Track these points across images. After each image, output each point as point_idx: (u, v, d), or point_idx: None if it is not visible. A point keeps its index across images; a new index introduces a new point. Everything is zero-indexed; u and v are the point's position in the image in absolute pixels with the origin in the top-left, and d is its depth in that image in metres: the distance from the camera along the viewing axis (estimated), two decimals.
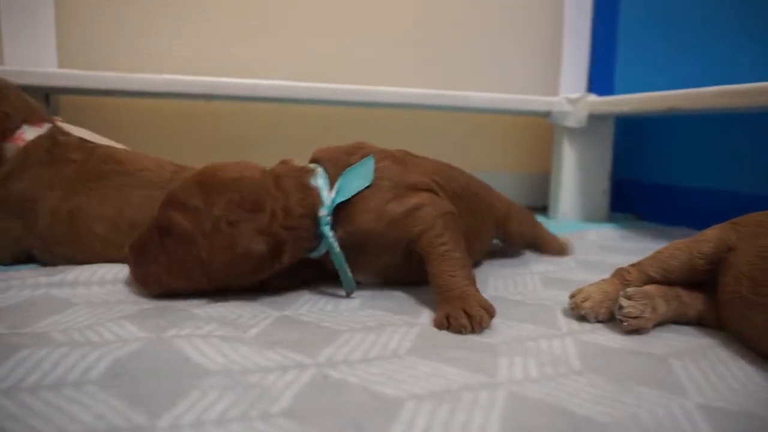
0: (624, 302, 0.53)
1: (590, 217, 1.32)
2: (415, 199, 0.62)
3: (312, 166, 0.65)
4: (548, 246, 0.90)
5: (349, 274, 0.62)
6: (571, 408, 0.38)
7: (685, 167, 1.27)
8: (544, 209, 1.41)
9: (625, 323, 0.53)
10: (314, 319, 0.56)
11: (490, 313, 0.54)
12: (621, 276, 0.61)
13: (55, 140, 0.76)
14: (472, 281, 0.58)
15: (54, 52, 1.04)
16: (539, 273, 0.78)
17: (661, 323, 0.56)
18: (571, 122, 1.28)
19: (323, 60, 1.26)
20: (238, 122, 1.23)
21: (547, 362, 0.46)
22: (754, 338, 0.49)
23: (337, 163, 0.64)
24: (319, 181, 0.62)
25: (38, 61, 1.02)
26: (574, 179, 1.32)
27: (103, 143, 0.80)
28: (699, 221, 1.20)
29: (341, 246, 0.62)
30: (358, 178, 0.62)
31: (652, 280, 0.59)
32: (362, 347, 0.48)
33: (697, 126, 1.24)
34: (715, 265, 0.56)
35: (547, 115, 1.31)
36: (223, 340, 0.47)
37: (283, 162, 0.65)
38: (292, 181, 0.61)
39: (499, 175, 1.44)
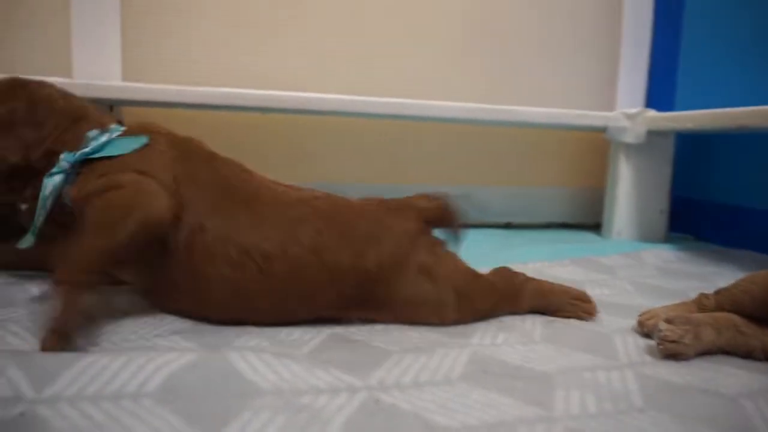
0: (662, 325, 0.52)
1: (646, 237, 1.27)
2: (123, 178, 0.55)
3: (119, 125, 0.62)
4: None
5: (36, 226, 0.57)
6: None
7: (749, 187, 1.21)
8: (597, 227, 1.37)
9: (660, 346, 0.52)
10: (364, 337, 0.55)
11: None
12: (699, 301, 0.60)
13: None
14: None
15: (119, 66, 1.08)
16: (595, 297, 0.75)
17: (709, 353, 0.53)
18: (628, 138, 1.23)
19: (373, 74, 1.27)
20: (292, 133, 1.25)
21: (606, 397, 0.44)
22: None
23: (134, 131, 0.61)
24: (96, 134, 0.59)
25: (104, 75, 1.06)
26: (630, 197, 1.27)
27: None
28: (763, 244, 1.14)
29: (74, 213, 0.56)
30: (119, 145, 0.58)
31: (728, 312, 0.56)
32: (413, 370, 0.47)
33: (762, 144, 1.18)
34: None
35: (603, 130, 1.27)
36: (275, 356, 0.47)
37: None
38: (87, 123, 0.60)
39: (550, 190, 1.42)
